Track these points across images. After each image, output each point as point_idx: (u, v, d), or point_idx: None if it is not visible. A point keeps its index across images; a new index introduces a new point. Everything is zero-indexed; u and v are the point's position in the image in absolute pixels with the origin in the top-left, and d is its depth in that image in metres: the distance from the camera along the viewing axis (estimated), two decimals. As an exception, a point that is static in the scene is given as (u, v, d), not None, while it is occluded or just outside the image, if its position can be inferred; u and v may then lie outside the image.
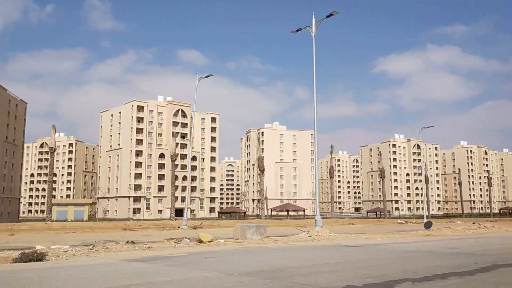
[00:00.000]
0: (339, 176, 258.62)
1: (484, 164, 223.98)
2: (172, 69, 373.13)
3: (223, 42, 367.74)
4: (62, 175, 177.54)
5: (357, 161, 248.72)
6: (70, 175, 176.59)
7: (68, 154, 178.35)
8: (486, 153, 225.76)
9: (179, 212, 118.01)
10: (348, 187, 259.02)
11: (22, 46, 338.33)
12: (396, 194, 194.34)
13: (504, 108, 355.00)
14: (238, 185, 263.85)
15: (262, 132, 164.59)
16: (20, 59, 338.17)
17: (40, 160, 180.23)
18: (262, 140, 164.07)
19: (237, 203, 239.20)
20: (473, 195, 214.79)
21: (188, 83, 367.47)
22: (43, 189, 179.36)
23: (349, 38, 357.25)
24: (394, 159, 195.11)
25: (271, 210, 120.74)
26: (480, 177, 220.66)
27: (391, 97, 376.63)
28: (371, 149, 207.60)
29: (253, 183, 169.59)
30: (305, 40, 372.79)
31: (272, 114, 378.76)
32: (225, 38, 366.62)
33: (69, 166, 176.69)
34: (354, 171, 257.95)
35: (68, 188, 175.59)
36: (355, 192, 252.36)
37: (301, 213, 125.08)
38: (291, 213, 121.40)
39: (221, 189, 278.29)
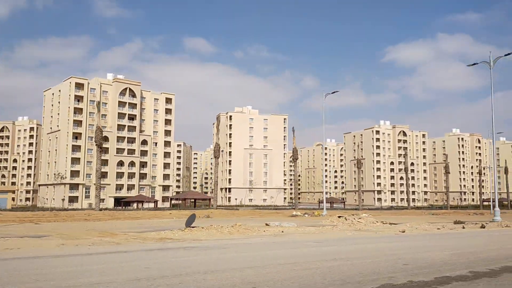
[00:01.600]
0: (326, 165, 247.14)
1: (477, 153, 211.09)
2: (178, 58, 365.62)
3: (229, 30, 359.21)
4: (23, 161, 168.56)
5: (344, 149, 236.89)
6: (31, 161, 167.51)
7: (30, 138, 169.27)
8: (479, 142, 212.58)
9: (124, 202, 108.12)
10: (335, 176, 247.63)
11: (28, 33, 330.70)
12: (379, 184, 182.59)
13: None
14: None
15: (230, 116, 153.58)
16: (27, 46, 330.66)
17: (0, 145, 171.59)
18: (230, 125, 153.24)
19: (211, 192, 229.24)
20: (464, 185, 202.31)
21: (194, 71, 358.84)
22: (3, 176, 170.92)
23: (358, 26, 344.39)
24: (378, 147, 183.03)
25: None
26: (472, 167, 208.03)
27: (400, 87, 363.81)
28: (354, 136, 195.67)
29: (222, 171, 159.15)
30: (311, 28, 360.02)
31: (280, 103, 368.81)
32: (232, 26, 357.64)
33: (30, 152, 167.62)
34: (341, 160, 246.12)
35: (29, 175, 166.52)
36: (342, 182, 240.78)
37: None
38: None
39: (206, 178, 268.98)
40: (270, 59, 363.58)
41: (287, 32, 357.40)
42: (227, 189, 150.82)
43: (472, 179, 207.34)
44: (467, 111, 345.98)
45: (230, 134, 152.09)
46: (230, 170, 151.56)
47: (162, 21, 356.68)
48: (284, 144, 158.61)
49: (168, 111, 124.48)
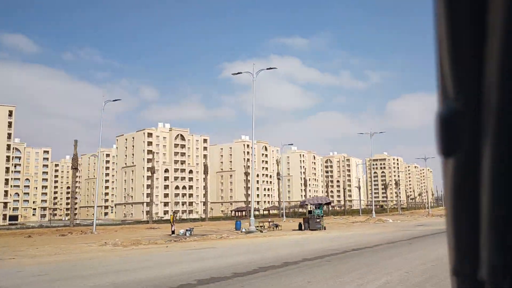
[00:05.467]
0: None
1: (263, 161, 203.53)
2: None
3: (57, 29, 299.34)
4: None
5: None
6: None
7: None
8: (266, 149, 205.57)
9: None
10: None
11: None
12: (148, 195, 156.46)
13: (334, 118, 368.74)
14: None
15: None
16: None
17: None
18: None
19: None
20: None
21: (15, 72, 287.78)
22: None
23: (198, 40, 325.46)
24: (150, 152, 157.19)
25: None
26: (258, 175, 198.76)
27: (237, 103, 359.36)
28: (126, 140, 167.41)
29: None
30: (151, 35, 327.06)
31: (117, 114, 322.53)
32: (59, 25, 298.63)
33: None
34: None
35: None
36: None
37: None
38: None
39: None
40: (104, 65, 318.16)
41: (122, 37, 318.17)
42: None
43: (258, 188, 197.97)
44: (295, 128, 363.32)
45: None
46: None
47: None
48: (8, 145, 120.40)
49: None
